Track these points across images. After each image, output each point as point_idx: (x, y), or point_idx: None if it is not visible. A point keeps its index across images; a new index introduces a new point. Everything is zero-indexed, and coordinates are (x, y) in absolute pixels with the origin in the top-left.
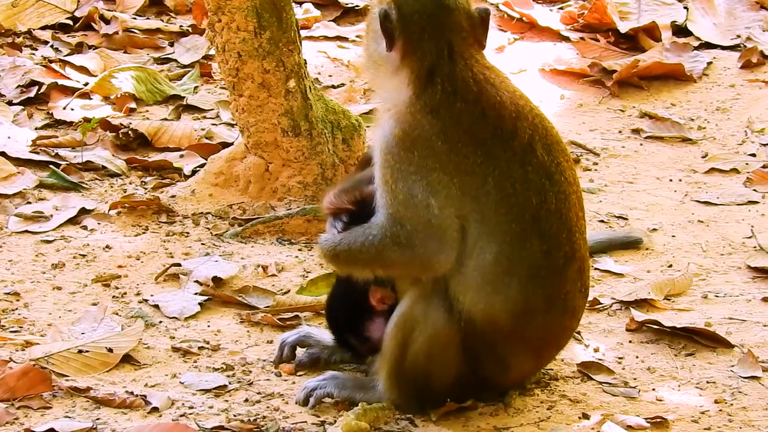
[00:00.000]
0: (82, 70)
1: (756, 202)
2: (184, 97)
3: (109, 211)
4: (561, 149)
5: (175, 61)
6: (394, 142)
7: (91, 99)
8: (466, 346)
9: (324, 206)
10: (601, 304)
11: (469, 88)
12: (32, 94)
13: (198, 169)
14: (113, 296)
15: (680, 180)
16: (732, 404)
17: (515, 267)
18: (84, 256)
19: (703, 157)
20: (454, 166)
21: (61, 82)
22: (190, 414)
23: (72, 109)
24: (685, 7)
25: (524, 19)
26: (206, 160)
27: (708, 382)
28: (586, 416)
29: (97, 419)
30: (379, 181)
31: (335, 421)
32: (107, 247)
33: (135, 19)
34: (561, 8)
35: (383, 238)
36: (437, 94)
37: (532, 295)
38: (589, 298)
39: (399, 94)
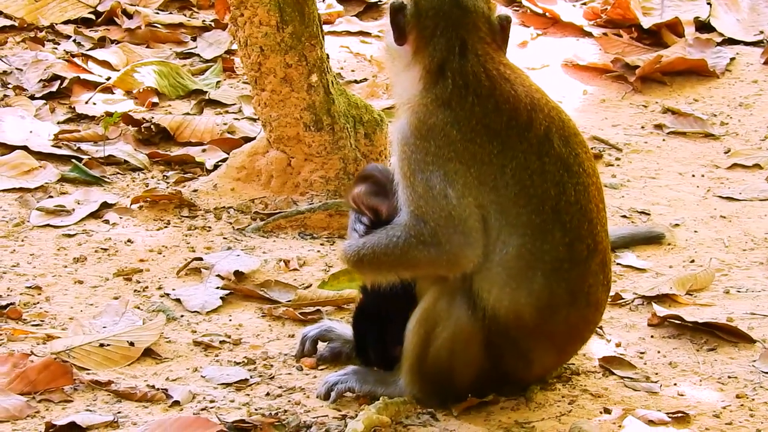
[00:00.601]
0: (105, 64)
1: None
2: (206, 91)
3: (131, 205)
4: (579, 141)
5: (198, 55)
6: (410, 132)
7: (113, 93)
8: (489, 341)
9: (349, 200)
10: (623, 299)
11: (481, 83)
12: (54, 89)
13: (220, 163)
14: (135, 290)
15: (703, 175)
16: (753, 399)
17: (538, 260)
18: (106, 250)
19: (725, 152)
20: (470, 156)
21: (83, 76)
22: (211, 408)
23: (94, 104)
24: (708, 3)
25: (547, 14)
26: (228, 154)
27: (729, 377)
28: (607, 411)
29: (118, 413)
30: (398, 176)
31: (356, 415)
32: (129, 241)
33: (157, 13)
34: (584, 4)
35: (408, 238)
36: (448, 88)
37: (556, 288)
38: (611, 293)
39: (412, 87)
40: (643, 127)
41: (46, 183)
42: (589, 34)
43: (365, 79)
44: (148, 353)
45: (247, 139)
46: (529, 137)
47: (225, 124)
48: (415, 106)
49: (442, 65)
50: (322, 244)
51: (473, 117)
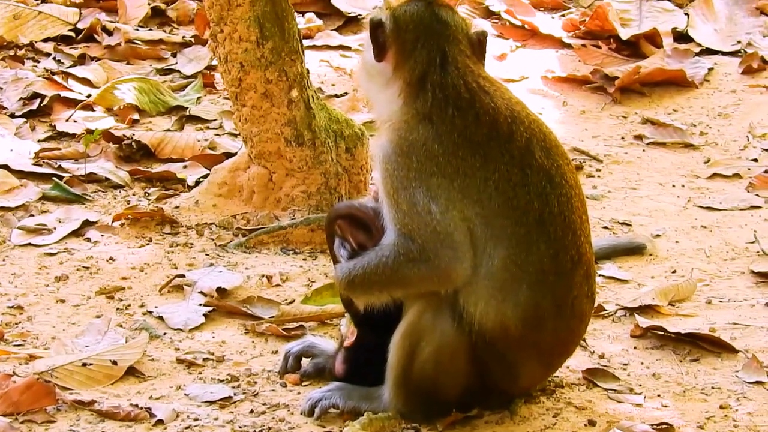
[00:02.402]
0: (85, 81)
1: (758, 207)
2: (187, 107)
3: (112, 222)
4: (560, 153)
5: (178, 71)
6: (391, 150)
7: (93, 111)
8: (475, 355)
9: (334, 228)
10: (606, 310)
11: (461, 96)
12: (35, 107)
13: (201, 179)
14: (117, 308)
15: (683, 186)
16: (737, 410)
17: (523, 272)
18: (87, 268)
19: (705, 162)
20: (453, 169)
21: (63, 94)
22: (195, 426)
23: (75, 121)
24: (685, 14)
25: (526, 26)
26: (210, 170)
27: (713, 388)
28: (592, 423)
29: None
30: (382, 195)
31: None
32: (111, 259)
33: (137, 30)
34: (563, 15)
35: (396, 257)
36: (428, 102)
37: (541, 300)
38: (594, 305)
39: (392, 104)
40: (623, 138)
41: (27, 201)
42: (568, 46)
43: (345, 93)
44: (131, 372)
45: (229, 155)
46: (510, 149)
47: (206, 140)
48: (395, 123)
49: (422, 78)
50: (304, 259)
51: (454, 130)
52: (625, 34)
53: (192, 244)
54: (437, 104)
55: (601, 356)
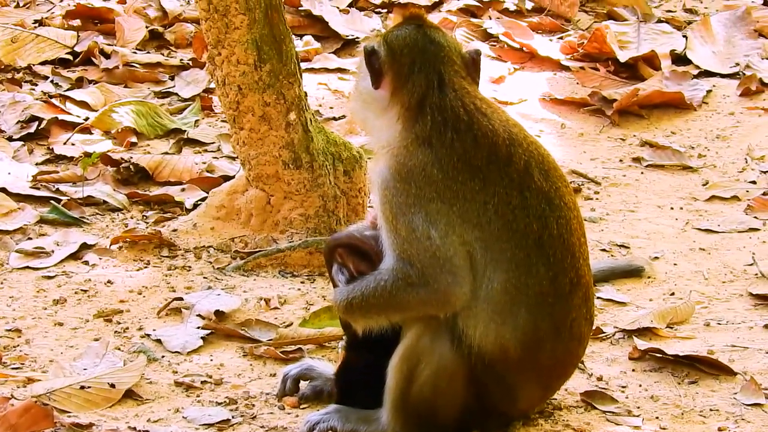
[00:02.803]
0: (83, 104)
1: (757, 230)
2: (185, 130)
3: (110, 245)
4: (558, 175)
5: (176, 94)
6: (390, 176)
7: (91, 134)
8: (474, 377)
9: (334, 255)
10: (604, 333)
11: (460, 118)
12: (32, 130)
13: (199, 202)
14: (115, 331)
15: (681, 208)
16: None
17: (523, 295)
18: (85, 291)
19: (703, 184)
20: (453, 194)
21: (61, 117)
22: None
23: (72, 144)
24: (684, 36)
25: (524, 49)
26: (207, 193)
27: (711, 410)
28: None
29: None
30: (381, 221)
31: None
32: (109, 282)
33: (135, 53)
34: (561, 38)
35: (395, 281)
36: (427, 125)
37: (540, 323)
38: (593, 327)
39: (390, 130)
40: (621, 161)
41: (25, 225)
42: (567, 68)
43: (344, 116)
44: (130, 395)
45: (226, 178)
46: (509, 172)
47: (204, 163)
48: (394, 149)
49: (421, 101)
50: (302, 282)
51: (454, 153)
52: (623, 56)
53: (190, 267)
54: (436, 127)
55: (600, 378)
